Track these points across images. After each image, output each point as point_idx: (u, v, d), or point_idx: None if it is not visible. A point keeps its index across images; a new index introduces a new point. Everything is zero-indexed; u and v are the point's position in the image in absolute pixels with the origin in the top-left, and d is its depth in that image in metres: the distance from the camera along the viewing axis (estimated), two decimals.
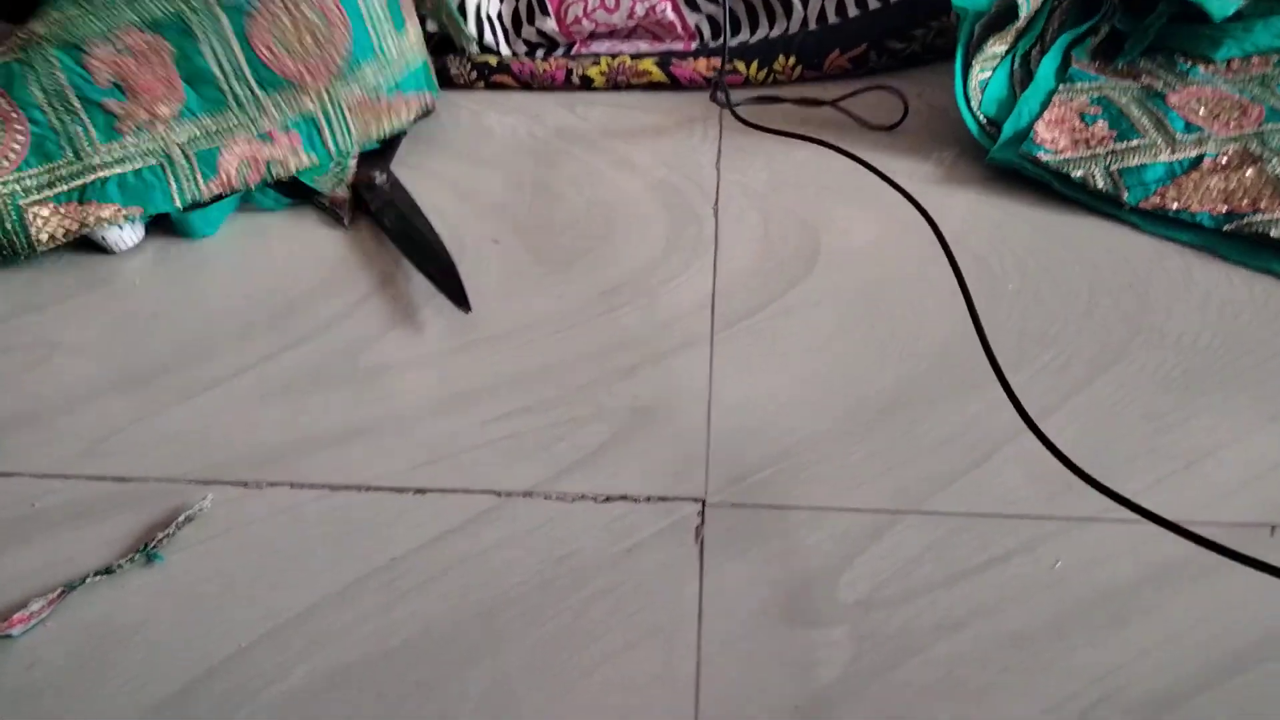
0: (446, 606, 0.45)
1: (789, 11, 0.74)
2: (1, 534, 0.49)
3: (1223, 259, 0.59)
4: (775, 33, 0.75)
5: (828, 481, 0.49)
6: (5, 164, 0.60)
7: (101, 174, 0.61)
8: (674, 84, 0.76)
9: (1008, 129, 0.66)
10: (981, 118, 0.67)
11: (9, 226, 0.60)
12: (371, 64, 0.64)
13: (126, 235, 0.62)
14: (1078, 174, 0.62)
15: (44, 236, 0.61)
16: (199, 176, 0.62)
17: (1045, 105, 0.66)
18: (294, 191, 0.65)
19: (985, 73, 0.68)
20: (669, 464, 0.50)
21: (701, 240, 0.62)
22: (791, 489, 0.49)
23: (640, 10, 0.75)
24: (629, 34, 0.77)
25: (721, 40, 0.75)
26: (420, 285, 0.60)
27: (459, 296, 0.58)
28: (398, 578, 0.46)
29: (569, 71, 0.76)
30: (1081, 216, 0.63)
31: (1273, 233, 0.58)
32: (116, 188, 0.61)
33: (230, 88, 0.61)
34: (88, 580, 0.46)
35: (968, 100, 0.66)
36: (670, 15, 0.75)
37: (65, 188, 0.61)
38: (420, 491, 0.50)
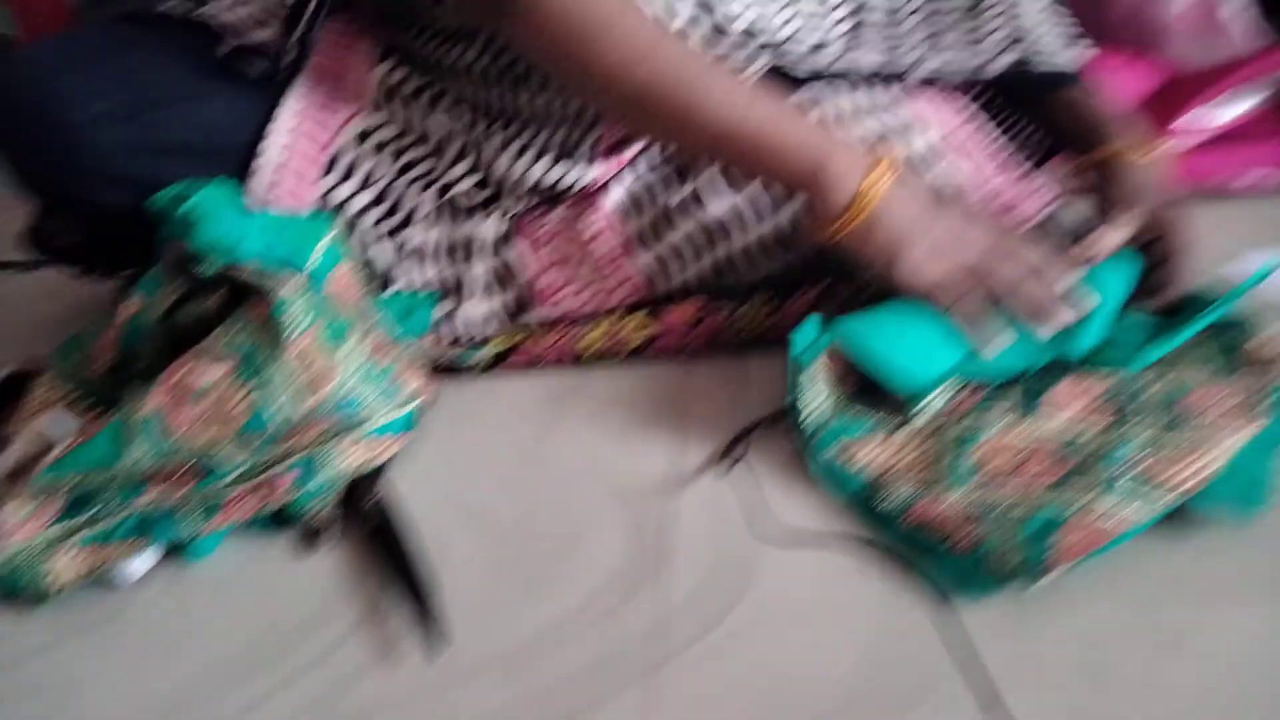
0: None
1: None
2: None
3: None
4: None
5: None
6: (35, 524, 0.66)
7: (113, 521, 0.67)
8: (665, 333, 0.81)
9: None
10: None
11: (25, 580, 0.66)
12: (364, 425, 0.71)
13: (137, 566, 0.68)
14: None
15: (57, 587, 0.66)
16: (203, 519, 0.68)
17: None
18: (282, 520, 0.71)
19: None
20: None
21: (661, 551, 0.66)
22: None
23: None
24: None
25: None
26: (403, 614, 0.64)
27: (436, 629, 0.62)
28: None
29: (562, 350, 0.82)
30: None
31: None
32: (133, 527, 0.67)
33: (242, 474, 0.68)
34: None
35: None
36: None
37: (79, 535, 0.67)
38: None
